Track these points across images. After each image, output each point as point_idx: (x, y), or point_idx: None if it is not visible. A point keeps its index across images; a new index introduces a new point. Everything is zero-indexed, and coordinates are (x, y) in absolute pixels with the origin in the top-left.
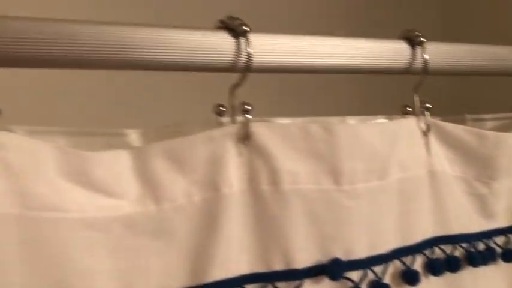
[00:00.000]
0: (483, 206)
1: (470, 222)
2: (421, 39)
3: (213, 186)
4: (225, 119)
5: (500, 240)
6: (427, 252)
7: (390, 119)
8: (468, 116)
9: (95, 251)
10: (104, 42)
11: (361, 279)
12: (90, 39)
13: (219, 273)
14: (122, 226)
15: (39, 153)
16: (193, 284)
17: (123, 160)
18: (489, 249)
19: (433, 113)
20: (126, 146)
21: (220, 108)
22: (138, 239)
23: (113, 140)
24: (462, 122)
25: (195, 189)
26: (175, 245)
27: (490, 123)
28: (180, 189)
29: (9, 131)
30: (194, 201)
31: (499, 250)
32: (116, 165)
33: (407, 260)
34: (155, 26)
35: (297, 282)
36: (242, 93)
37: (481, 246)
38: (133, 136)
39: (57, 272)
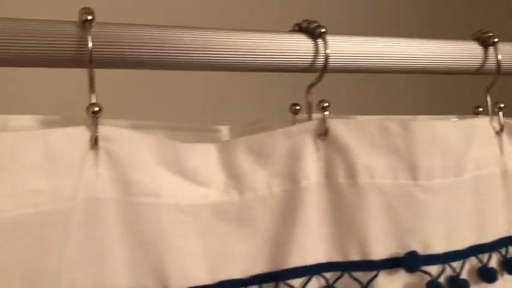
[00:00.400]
0: None
1: None
2: (494, 39)
3: (291, 178)
4: (300, 117)
5: None
6: (502, 251)
7: (462, 119)
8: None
9: (187, 233)
10: (194, 47)
11: (439, 274)
12: (183, 43)
13: (297, 261)
14: (210, 213)
15: (139, 144)
16: (273, 269)
17: (211, 153)
18: None
19: (505, 113)
20: (215, 140)
21: (296, 107)
22: (224, 225)
23: (204, 135)
24: None
25: (275, 181)
26: (256, 233)
27: None
28: (261, 181)
29: (112, 125)
30: (274, 192)
31: None
32: (205, 157)
33: (484, 257)
34: (240, 30)
35: (373, 273)
36: (317, 91)
37: None
38: (224, 132)
39: (153, 250)
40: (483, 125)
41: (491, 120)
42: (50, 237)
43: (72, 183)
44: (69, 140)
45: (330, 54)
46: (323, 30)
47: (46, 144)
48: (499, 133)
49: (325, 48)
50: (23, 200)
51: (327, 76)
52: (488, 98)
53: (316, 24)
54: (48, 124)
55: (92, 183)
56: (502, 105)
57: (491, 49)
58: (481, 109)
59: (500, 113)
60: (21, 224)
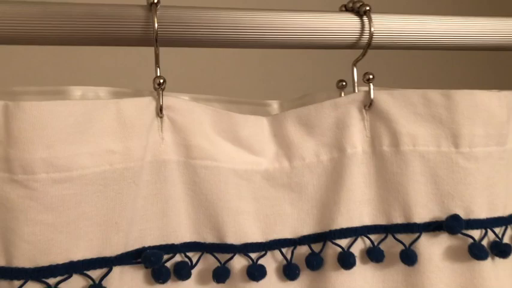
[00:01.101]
0: None
1: None
2: None
3: (338, 147)
4: (347, 91)
5: None
6: None
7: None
8: None
9: (241, 195)
10: (249, 26)
11: (482, 238)
12: (240, 22)
13: (344, 223)
14: (262, 178)
15: (198, 113)
16: (321, 230)
17: (263, 124)
18: None
19: None
20: (267, 113)
21: (342, 83)
22: (275, 189)
23: (257, 108)
24: None
25: (323, 149)
26: (305, 197)
27: None
28: (310, 150)
29: (175, 97)
30: (322, 160)
31: None
32: (258, 128)
33: None
34: (290, 11)
35: (415, 235)
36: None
37: None
38: (274, 106)
39: (211, 208)
40: None
41: None
42: (124, 191)
43: (140, 145)
44: (137, 109)
45: (374, 32)
46: (367, 8)
47: (118, 112)
48: None
49: (370, 26)
50: (100, 158)
51: (372, 52)
52: None
53: (361, 3)
54: (120, 95)
55: (157, 146)
56: None
57: None
58: None
59: None
60: (99, 178)
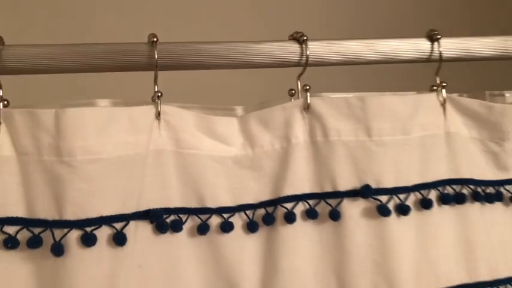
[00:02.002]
0: (497, 160)
1: (482, 171)
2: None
3: (286, 138)
4: (295, 98)
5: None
6: (440, 188)
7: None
8: (487, 93)
9: (217, 174)
10: (223, 53)
11: (388, 201)
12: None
13: (289, 192)
14: (232, 162)
15: (185, 116)
16: (274, 197)
17: (233, 123)
18: (498, 193)
19: (460, 90)
20: (235, 115)
21: (292, 91)
22: (242, 170)
23: (228, 112)
24: (482, 97)
25: (276, 140)
26: (263, 174)
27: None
28: (267, 141)
29: (168, 105)
30: (275, 148)
31: (508, 194)
32: (229, 125)
33: (425, 192)
34: (251, 41)
35: (339, 199)
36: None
37: (491, 190)
38: (239, 110)
39: (195, 184)
40: (429, 99)
41: (437, 95)
42: (135, 170)
43: (145, 138)
44: (143, 113)
45: (310, 54)
46: (305, 38)
47: (130, 116)
48: (443, 105)
49: (306, 50)
50: (119, 147)
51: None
52: (437, 80)
53: (301, 34)
54: (131, 104)
55: (157, 139)
56: (445, 84)
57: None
58: (434, 87)
59: (443, 90)
60: (118, 161)
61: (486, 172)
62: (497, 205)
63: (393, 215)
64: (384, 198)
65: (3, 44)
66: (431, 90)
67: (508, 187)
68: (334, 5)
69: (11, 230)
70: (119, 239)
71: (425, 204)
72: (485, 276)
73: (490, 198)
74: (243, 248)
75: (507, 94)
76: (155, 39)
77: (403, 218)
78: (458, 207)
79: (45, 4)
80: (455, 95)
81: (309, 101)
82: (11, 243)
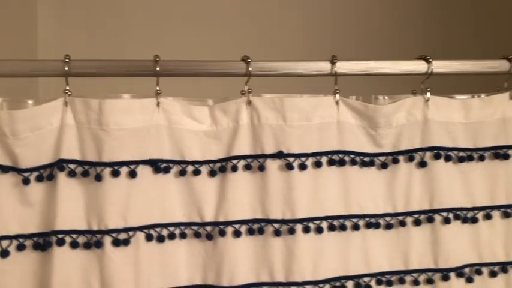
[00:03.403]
0: (374, 140)
1: (363, 146)
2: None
3: (236, 120)
4: (244, 96)
5: (382, 158)
6: (329, 155)
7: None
8: (373, 96)
9: (193, 142)
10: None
11: (293, 161)
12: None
13: (236, 153)
14: (203, 134)
15: (174, 104)
16: (226, 155)
17: (205, 110)
18: (371, 161)
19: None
20: (207, 105)
21: (243, 91)
22: (209, 139)
23: (202, 103)
24: (369, 100)
25: (230, 122)
26: (222, 142)
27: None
28: (225, 122)
29: (164, 97)
30: (229, 126)
31: (379, 162)
32: (202, 111)
33: (319, 157)
34: (202, 60)
35: (264, 159)
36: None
37: (367, 158)
38: (210, 102)
39: (179, 147)
40: (328, 100)
41: (334, 98)
42: (145, 137)
43: (150, 118)
44: (148, 102)
45: (252, 71)
46: (249, 60)
47: (141, 104)
48: (338, 103)
49: (248, 67)
50: (134, 122)
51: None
52: (336, 88)
53: (247, 57)
54: (140, 97)
55: (156, 118)
56: (338, 90)
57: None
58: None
59: (337, 95)
60: (134, 131)
61: (366, 147)
62: (372, 169)
63: (296, 170)
64: (291, 159)
65: (70, 59)
66: (334, 93)
67: (380, 158)
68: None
69: (72, 166)
70: (133, 174)
71: (318, 164)
72: (356, 211)
73: (366, 164)
74: (206, 185)
75: (380, 97)
76: (157, 59)
77: (303, 171)
78: (342, 168)
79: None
80: (345, 98)
81: (250, 99)
82: (72, 174)
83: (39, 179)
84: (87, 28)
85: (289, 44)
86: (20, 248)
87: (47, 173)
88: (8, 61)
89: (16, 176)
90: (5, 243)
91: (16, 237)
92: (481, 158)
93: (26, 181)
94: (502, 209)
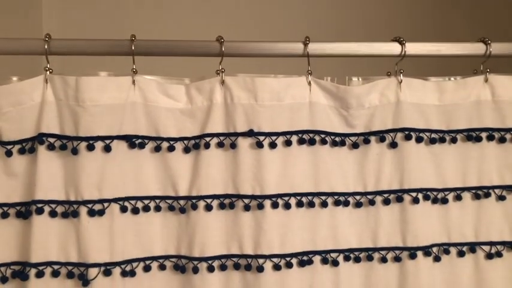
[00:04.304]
0: (346, 121)
1: (335, 126)
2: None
3: (211, 99)
4: (219, 76)
5: (354, 138)
6: (299, 134)
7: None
8: (347, 77)
9: (168, 119)
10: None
11: (264, 140)
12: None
13: (210, 130)
14: (179, 112)
15: (150, 83)
16: (200, 133)
17: (181, 88)
18: (342, 141)
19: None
20: (184, 83)
21: (218, 71)
22: (184, 116)
23: (179, 81)
24: (343, 81)
25: (204, 100)
26: (196, 120)
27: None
28: (199, 100)
29: (140, 76)
30: (204, 105)
31: (350, 142)
32: (178, 90)
33: (289, 136)
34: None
35: (236, 137)
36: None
37: (338, 138)
38: (186, 81)
39: (155, 123)
40: (300, 80)
41: (306, 78)
42: (119, 112)
43: (126, 95)
44: (125, 80)
45: (225, 51)
46: (222, 40)
47: (117, 81)
48: (310, 83)
49: (222, 47)
50: (110, 99)
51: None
52: (309, 73)
53: (221, 38)
54: (116, 75)
55: (132, 96)
56: (311, 71)
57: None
58: (309, 74)
59: (310, 76)
60: (109, 106)
61: (338, 128)
62: (343, 148)
63: (266, 148)
64: (261, 137)
65: (50, 38)
66: (308, 74)
67: (351, 138)
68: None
69: (51, 140)
70: (107, 148)
71: (288, 143)
72: (326, 189)
73: (337, 144)
74: (180, 161)
75: (354, 78)
76: (133, 38)
77: (273, 150)
78: (312, 147)
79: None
80: (318, 79)
81: (223, 79)
82: (51, 147)
83: (21, 151)
84: (91, 6)
85: (265, 26)
86: (4, 216)
87: (29, 146)
88: None
89: (0, 149)
90: None
91: (0, 205)
92: (454, 140)
93: (8, 153)
94: (473, 191)
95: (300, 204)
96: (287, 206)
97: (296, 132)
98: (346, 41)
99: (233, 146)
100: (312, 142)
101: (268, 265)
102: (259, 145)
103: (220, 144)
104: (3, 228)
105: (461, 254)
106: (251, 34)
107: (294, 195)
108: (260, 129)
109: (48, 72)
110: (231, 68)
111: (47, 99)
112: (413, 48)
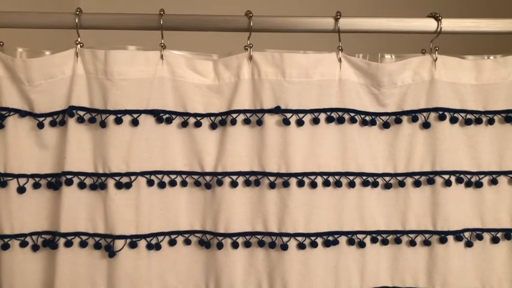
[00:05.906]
0: (377, 99)
1: (365, 105)
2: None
3: (238, 75)
4: (247, 51)
5: (385, 117)
6: (328, 112)
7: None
8: (379, 54)
9: (196, 95)
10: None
11: (291, 117)
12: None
13: (236, 107)
14: (206, 88)
15: (180, 58)
16: (227, 109)
17: (209, 64)
18: (373, 120)
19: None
20: (212, 59)
21: (246, 47)
22: (212, 92)
23: (208, 57)
24: (375, 58)
25: (232, 76)
26: (223, 96)
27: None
28: (227, 76)
29: (168, 51)
30: (231, 81)
31: (381, 121)
32: (206, 65)
33: (317, 114)
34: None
35: (262, 114)
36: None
37: (368, 117)
38: (214, 57)
39: (182, 98)
40: (330, 57)
41: (337, 54)
42: (147, 86)
43: (154, 69)
44: (154, 55)
45: (254, 26)
46: (251, 15)
47: (145, 55)
48: (340, 60)
49: (250, 22)
50: (138, 73)
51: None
52: (339, 47)
53: (250, 12)
54: (145, 49)
55: (160, 70)
56: (341, 47)
57: None
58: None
59: (340, 52)
60: (137, 80)
61: (368, 106)
62: (374, 128)
63: (293, 125)
64: (288, 115)
65: (80, 11)
66: (338, 50)
67: (382, 117)
68: None
69: (81, 113)
70: (135, 122)
71: (315, 121)
72: (353, 169)
73: (366, 123)
74: (207, 137)
75: (387, 56)
76: (163, 13)
77: (300, 127)
78: (340, 125)
79: None
80: (348, 56)
81: (251, 54)
82: (81, 120)
83: (52, 124)
84: None
85: (295, 1)
86: (36, 186)
87: (59, 118)
88: (21, 13)
89: (32, 121)
90: (22, 180)
91: (32, 176)
92: (491, 122)
93: (40, 125)
94: (510, 175)
95: (326, 183)
96: (313, 184)
97: (324, 110)
98: (378, 16)
99: (259, 122)
100: (340, 121)
101: (292, 243)
102: (286, 122)
103: (246, 121)
104: (35, 198)
105: (495, 240)
106: (280, 9)
107: (321, 174)
108: (287, 106)
109: (78, 46)
110: (260, 45)
111: (77, 73)
112: (449, 24)
